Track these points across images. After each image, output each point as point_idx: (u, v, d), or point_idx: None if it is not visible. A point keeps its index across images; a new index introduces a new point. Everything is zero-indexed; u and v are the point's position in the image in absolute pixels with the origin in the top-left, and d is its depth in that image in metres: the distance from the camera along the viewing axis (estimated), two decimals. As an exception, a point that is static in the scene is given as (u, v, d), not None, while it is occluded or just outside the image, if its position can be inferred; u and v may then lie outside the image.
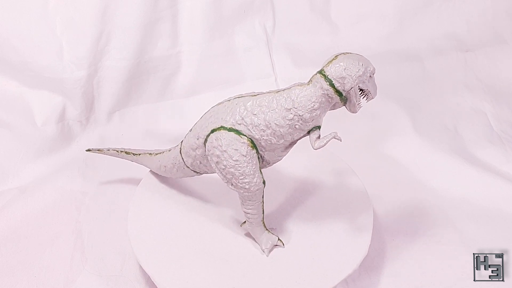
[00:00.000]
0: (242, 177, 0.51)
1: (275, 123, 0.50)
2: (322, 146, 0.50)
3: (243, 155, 0.50)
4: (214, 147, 0.51)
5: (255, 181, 0.52)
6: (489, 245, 0.66)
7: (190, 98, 0.98)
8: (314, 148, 0.50)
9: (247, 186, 0.52)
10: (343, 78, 0.49)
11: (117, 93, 0.93)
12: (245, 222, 0.58)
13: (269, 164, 0.55)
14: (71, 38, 0.89)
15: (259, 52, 1.02)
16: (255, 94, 0.52)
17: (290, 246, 0.57)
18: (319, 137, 0.51)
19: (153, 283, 0.55)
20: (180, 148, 0.58)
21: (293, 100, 0.49)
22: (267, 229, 0.57)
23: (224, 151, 0.50)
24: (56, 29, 0.88)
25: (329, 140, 0.50)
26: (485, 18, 0.86)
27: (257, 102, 0.51)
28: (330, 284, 0.52)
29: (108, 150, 0.70)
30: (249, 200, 0.53)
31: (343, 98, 0.50)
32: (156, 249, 0.56)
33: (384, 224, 0.71)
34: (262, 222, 0.56)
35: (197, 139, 0.54)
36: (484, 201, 0.75)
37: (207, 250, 0.57)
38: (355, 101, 0.50)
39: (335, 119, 0.96)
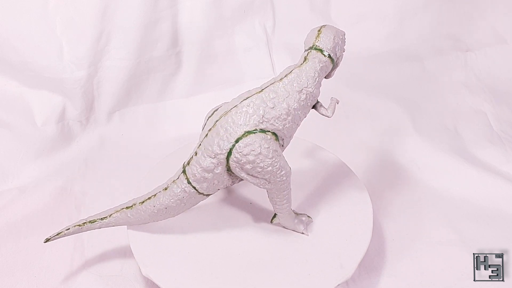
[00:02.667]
0: (279, 171, 0.52)
1: (293, 108, 0.53)
2: (335, 111, 0.57)
3: (275, 150, 0.51)
4: (245, 155, 0.50)
5: (288, 169, 0.53)
6: (489, 245, 0.67)
7: (190, 98, 0.98)
8: (331, 116, 0.57)
9: (284, 178, 0.53)
10: (334, 47, 0.55)
11: (117, 93, 0.93)
12: (274, 217, 0.59)
13: (284, 149, 0.56)
14: (71, 38, 0.89)
15: (259, 52, 1.02)
16: (259, 90, 0.53)
17: (289, 247, 0.57)
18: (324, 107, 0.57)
19: (153, 283, 0.55)
20: (187, 178, 0.54)
21: (300, 81, 0.53)
22: (295, 213, 0.59)
23: (259, 153, 0.50)
24: (56, 29, 0.88)
25: (335, 105, 0.57)
26: (485, 18, 0.86)
27: (269, 96, 0.52)
28: (330, 285, 0.52)
29: (68, 229, 0.57)
30: (284, 191, 0.54)
31: (334, 65, 0.56)
32: (156, 249, 0.56)
33: (384, 224, 0.71)
34: (291, 209, 0.58)
35: (214, 157, 0.52)
36: (484, 201, 0.75)
37: (206, 249, 0.57)
38: (339, 64, 0.57)
39: (335, 119, 0.96)
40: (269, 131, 0.52)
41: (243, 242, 0.58)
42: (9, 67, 0.88)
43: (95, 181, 0.80)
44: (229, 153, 0.51)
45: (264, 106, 0.52)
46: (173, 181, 0.55)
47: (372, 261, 0.64)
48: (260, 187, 0.53)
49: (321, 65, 0.54)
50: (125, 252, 0.65)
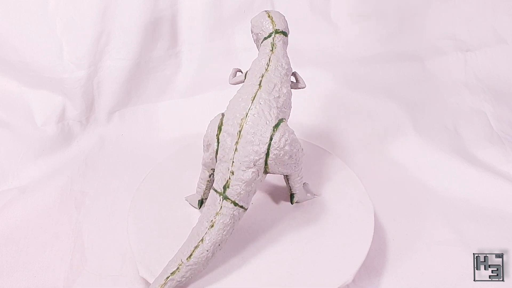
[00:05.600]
0: (302, 150, 0.56)
1: (290, 90, 0.58)
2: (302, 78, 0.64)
3: (294, 133, 0.54)
4: (281, 148, 0.52)
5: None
6: (489, 245, 0.67)
7: (190, 98, 0.98)
8: (305, 86, 0.64)
9: (303, 154, 0.57)
10: (287, 25, 0.62)
11: (117, 93, 0.93)
12: (292, 198, 0.62)
13: None
14: (71, 38, 0.89)
15: (259, 52, 1.02)
16: (257, 87, 0.54)
17: (290, 249, 0.57)
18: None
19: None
20: (232, 202, 0.52)
21: (281, 65, 0.58)
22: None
23: (292, 140, 0.53)
24: (56, 29, 0.88)
25: (298, 74, 0.64)
26: (485, 18, 0.86)
27: (270, 88, 0.54)
28: (332, 287, 0.52)
29: None
30: (301, 169, 0.58)
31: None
32: (156, 249, 0.56)
33: (384, 224, 0.71)
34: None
35: (253, 166, 0.51)
36: (484, 201, 0.75)
37: (254, 267, 0.55)
38: None
39: (336, 120, 0.96)
40: (283, 118, 0.54)
41: (276, 241, 0.58)
42: (9, 67, 0.88)
43: (95, 181, 0.80)
44: (267, 154, 0.52)
45: (273, 98, 0.54)
46: (216, 213, 0.52)
47: (372, 261, 0.64)
48: (289, 173, 0.56)
49: (285, 44, 0.61)
50: (125, 252, 0.65)
